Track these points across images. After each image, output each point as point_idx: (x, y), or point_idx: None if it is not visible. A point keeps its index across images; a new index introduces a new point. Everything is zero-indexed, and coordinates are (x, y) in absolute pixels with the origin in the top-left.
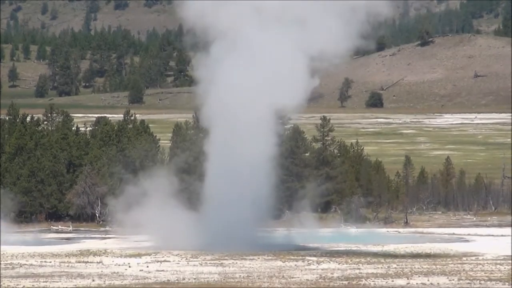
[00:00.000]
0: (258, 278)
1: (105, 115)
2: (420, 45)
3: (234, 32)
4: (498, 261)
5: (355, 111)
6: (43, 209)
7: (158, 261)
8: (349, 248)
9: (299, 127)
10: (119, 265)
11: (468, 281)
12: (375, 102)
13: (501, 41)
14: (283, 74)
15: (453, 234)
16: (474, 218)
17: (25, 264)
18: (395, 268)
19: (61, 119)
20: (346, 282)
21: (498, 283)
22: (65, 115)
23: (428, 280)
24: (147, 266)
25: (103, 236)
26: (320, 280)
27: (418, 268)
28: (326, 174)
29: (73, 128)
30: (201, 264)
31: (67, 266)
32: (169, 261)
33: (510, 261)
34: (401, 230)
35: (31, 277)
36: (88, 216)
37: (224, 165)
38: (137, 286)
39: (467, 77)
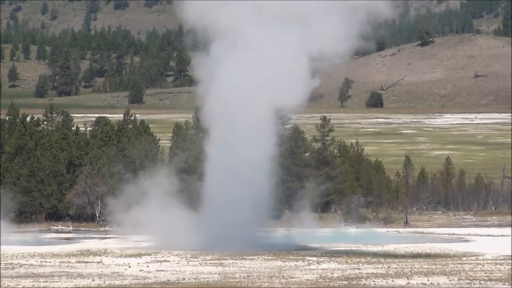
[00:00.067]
0: (258, 278)
1: (105, 115)
2: (420, 45)
3: (234, 32)
4: (498, 261)
5: (355, 111)
6: (43, 209)
7: (158, 261)
8: (349, 248)
9: (299, 127)
10: (119, 265)
11: (468, 281)
12: (375, 102)
13: (501, 41)
14: (283, 74)
15: (453, 234)
16: (474, 218)
17: (25, 264)
18: (395, 268)
19: (61, 119)
20: (346, 282)
21: (498, 283)
22: (65, 115)
23: (428, 280)
24: (147, 266)
25: (103, 236)
26: (320, 280)
27: (418, 268)
28: (326, 174)
29: (73, 128)
30: (201, 264)
31: (67, 266)
32: (169, 261)
33: (510, 261)
34: (401, 230)
35: (31, 277)
36: (88, 216)
37: (224, 165)
38: (137, 286)
39: (467, 77)
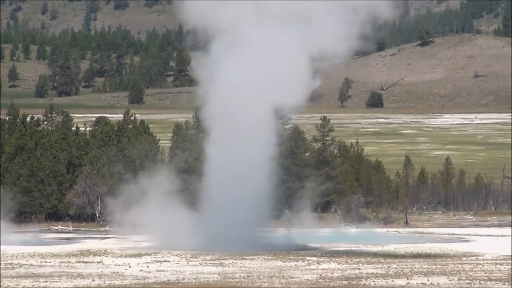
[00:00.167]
0: (258, 278)
1: (105, 115)
2: (420, 45)
3: (234, 31)
4: (498, 261)
5: (355, 111)
6: (43, 209)
7: (158, 261)
8: (349, 248)
9: (299, 127)
10: (119, 265)
11: (468, 281)
12: (375, 102)
13: (501, 41)
14: (284, 74)
15: (453, 234)
16: (474, 218)
17: (25, 264)
18: (395, 268)
19: (61, 119)
20: (346, 282)
21: (498, 283)
22: (65, 115)
23: (428, 280)
24: (147, 266)
25: (103, 236)
26: (320, 280)
27: (418, 268)
28: (326, 174)
29: (73, 128)
30: (201, 264)
31: (67, 266)
32: (169, 261)
33: (510, 261)
34: (401, 230)
35: (31, 277)
36: (88, 216)
37: (224, 165)
38: (137, 286)
39: (467, 77)
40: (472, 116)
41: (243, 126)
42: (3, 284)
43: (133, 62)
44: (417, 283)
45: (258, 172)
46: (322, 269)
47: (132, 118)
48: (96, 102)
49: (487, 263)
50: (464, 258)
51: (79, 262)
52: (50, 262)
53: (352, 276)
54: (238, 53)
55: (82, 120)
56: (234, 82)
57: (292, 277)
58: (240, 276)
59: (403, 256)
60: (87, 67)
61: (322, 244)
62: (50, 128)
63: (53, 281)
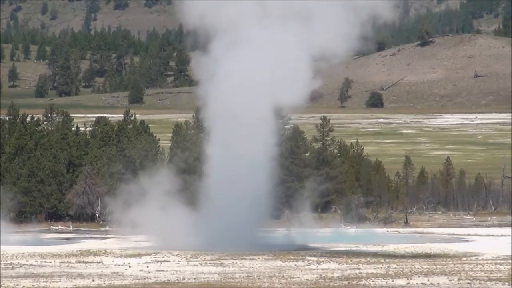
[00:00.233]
0: (258, 278)
1: (105, 115)
2: (420, 45)
3: (235, 31)
4: (498, 261)
5: (355, 111)
6: (43, 209)
7: (158, 261)
8: (349, 248)
9: (299, 127)
10: (119, 265)
11: (468, 281)
12: (375, 102)
13: (501, 41)
14: (284, 74)
15: (453, 234)
16: (474, 218)
17: (25, 264)
18: (395, 268)
19: (61, 119)
20: (346, 282)
21: (498, 283)
22: (65, 115)
23: (428, 280)
24: (147, 266)
25: (103, 236)
26: (320, 280)
27: (418, 268)
28: (326, 174)
29: (73, 128)
30: (201, 264)
31: (67, 266)
32: (169, 261)
33: (510, 261)
34: (401, 230)
35: (31, 277)
36: (88, 216)
37: (224, 165)
38: (137, 286)
39: (467, 77)
40: (472, 116)
41: (243, 126)
42: (3, 284)
43: (133, 62)
44: (417, 283)
45: (258, 172)
46: (322, 269)
47: (132, 118)
48: (96, 102)
49: (487, 263)
50: (464, 258)
51: (79, 262)
52: (50, 262)
53: (352, 276)
54: (238, 53)
55: (82, 120)
56: (234, 82)
57: (292, 277)
58: (240, 276)
59: (403, 256)
60: (87, 67)
61: (322, 244)
62: (50, 128)
63: (53, 281)
